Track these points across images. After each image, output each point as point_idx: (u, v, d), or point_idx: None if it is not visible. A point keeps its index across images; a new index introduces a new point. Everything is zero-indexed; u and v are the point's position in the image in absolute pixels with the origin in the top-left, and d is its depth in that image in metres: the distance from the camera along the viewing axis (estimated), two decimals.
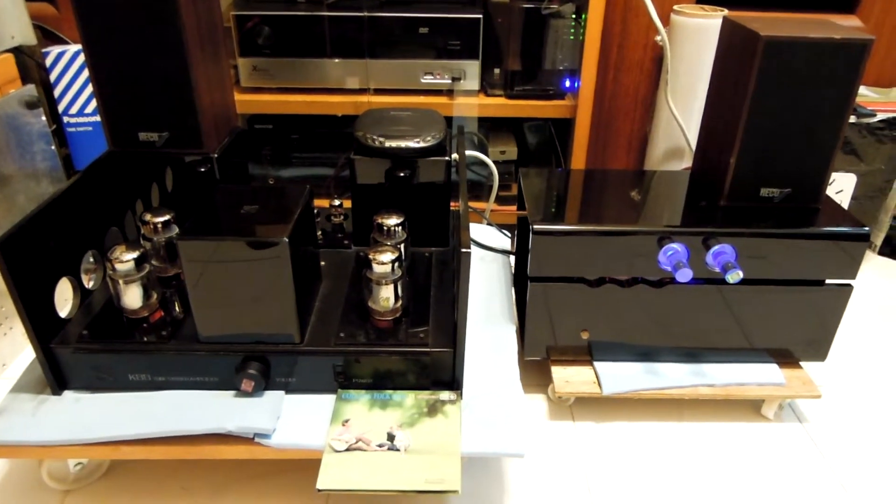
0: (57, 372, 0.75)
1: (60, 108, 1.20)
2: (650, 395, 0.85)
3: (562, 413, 0.92)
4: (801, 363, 0.90)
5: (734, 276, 0.75)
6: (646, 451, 0.86)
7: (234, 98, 1.00)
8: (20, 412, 0.73)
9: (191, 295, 0.70)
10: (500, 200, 1.27)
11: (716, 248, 0.78)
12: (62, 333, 0.75)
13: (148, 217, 0.82)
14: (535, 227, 0.79)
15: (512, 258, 1.07)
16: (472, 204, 1.28)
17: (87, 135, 1.23)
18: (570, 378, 0.88)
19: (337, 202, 0.99)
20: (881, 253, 1.35)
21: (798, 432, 0.89)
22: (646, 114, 1.31)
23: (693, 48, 1.13)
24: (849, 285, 0.82)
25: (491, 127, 1.36)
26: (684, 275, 0.75)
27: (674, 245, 0.78)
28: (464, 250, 0.62)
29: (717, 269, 0.78)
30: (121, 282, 0.74)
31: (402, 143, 0.86)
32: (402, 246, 0.84)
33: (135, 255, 0.73)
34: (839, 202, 1.21)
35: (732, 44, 0.80)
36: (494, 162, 1.21)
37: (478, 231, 1.14)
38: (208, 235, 0.67)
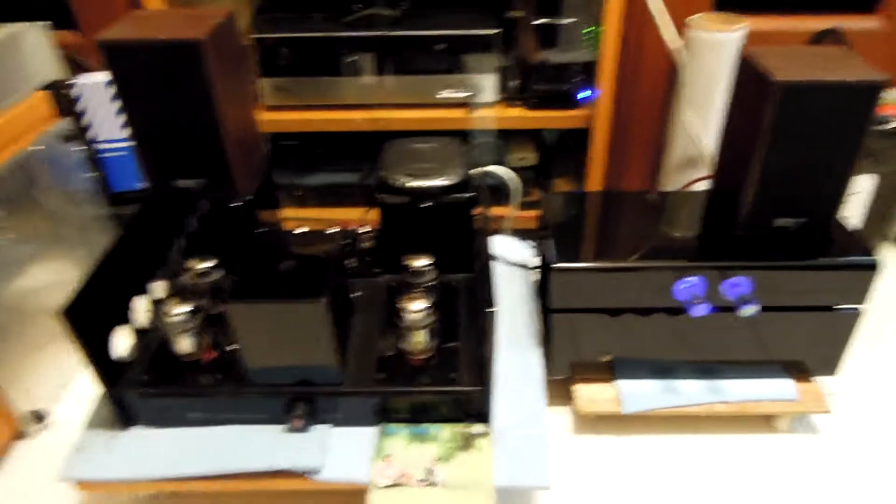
0: (123, 411, 0.83)
1: (92, 135, 1.25)
2: (669, 412, 0.91)
3: (585, 426, 0.98)
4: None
5: (748, 311, 0.79)
6: (664, 464, 0.92)
7: (259, 127, 1.03)
8: (95, 449, 0.81)
9: (241, 348, 0.77)
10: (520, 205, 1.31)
11: (731, 280, 0.82)
12: (126, 378, 0.82)
13: (192, 265, 0.88)
14: (554, 265, 0.84)
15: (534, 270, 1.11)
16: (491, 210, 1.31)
17: (121, 158, 1.28)
18: (593, 396, 0.94)
19: (363, 229, 1.04)
20: None
21: (810, 444, 0.95)
22: (662, 118, 1.32)
23: (708, 61, 1.13)
24: (858, 310, 0.86)
25: (509, 132, 1.38)
26: (700, 310, 0.80)
27: (689, 279, 0.82)
28: (488, 310, 0.67)
29: (732, 301, 0.82)
30: (175, 331, 0.81)
31: (426, 183, 0.90)
32: (432, 283, 0.88)
33: (188, 308, 0.80)
34: (857, 204, 1.23)
35: (747, 82, 0.82)
36: (514, 168, 1.24)
37: (498, 242, 1.18)
38: (254, 299, 0.73)
